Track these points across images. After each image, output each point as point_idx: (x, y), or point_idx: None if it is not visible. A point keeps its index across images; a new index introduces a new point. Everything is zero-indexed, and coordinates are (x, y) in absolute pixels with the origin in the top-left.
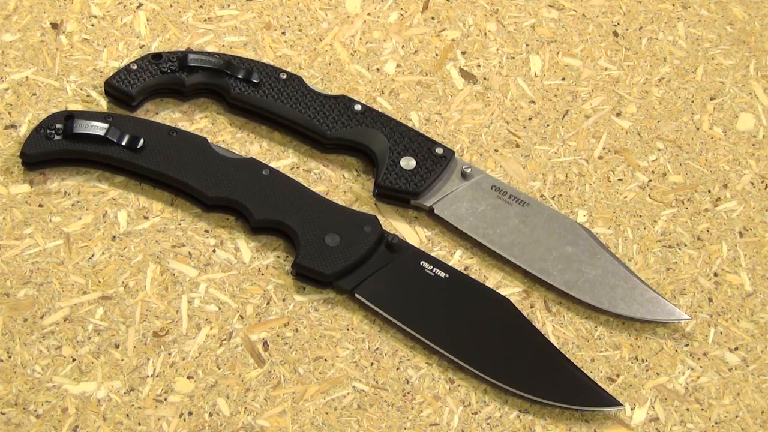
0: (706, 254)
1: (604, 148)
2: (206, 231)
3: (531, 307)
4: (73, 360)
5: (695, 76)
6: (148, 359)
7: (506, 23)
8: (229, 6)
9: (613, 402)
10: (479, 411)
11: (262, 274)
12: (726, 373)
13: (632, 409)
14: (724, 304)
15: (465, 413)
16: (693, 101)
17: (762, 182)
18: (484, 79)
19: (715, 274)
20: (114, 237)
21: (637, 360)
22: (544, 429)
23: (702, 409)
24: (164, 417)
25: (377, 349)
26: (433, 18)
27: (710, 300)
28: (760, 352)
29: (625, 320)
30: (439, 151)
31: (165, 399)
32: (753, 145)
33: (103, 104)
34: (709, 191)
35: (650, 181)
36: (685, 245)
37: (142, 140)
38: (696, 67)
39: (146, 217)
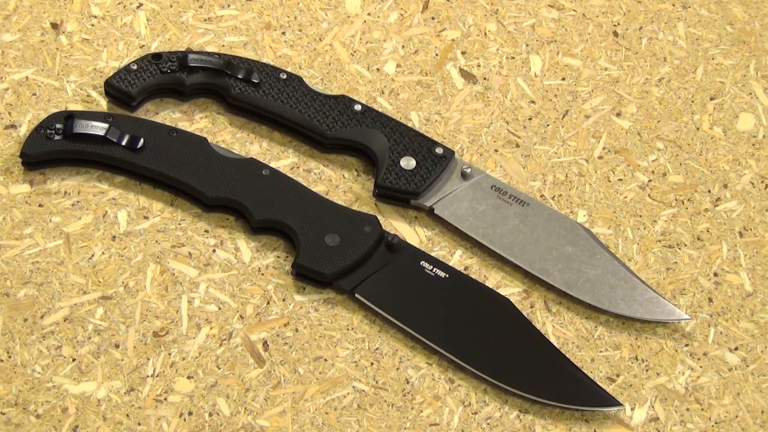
0: (706, 254)
1: (604, 148)
2: (206, 231)
3: (531, 307)
4: (73, 360)
5: (695, 76)
6: (148, 359)
7: (506, 23)
8: (229, 6)
9: (613, 402)
10: (479, 411)
11: (262, 274)
12: (726, 373)
13: (632, 409)
14: (724, 304)
15: (465, 413)
16: (693, 101)
17: (762, 182)
18: (484, 79)
19: (715, 274)
20: (114, 237)
21: (637, 360)
22: (544, 429)
23: (702, 409)
24: (164, 417)
25: (377, 349)
26: (433, 18)
27: (710, 300)
28: (760, 352)
29: (625, 320)
30: (439, 151)
31: (165, 399)
32: (753, 145)
33: (103, 104)
34: (709, 191)
35: (650, 181)
36: (685, 245)
37: (142, 140)
38: (696, 67)
39: (146, 217)
